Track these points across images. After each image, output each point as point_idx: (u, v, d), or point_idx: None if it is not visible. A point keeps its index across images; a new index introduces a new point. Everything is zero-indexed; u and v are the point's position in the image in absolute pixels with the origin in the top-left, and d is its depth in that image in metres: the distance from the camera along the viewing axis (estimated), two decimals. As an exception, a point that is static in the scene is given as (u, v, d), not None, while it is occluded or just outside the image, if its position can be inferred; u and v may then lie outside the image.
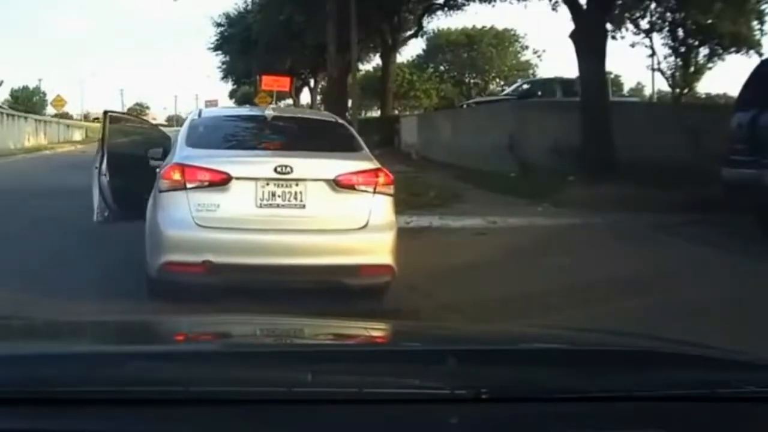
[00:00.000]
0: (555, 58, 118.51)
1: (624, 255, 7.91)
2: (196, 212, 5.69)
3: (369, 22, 25.32)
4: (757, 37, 26.84)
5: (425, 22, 32.67)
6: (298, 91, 48.66)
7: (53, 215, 10.25)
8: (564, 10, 15.25)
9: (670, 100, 31.80)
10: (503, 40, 49.55)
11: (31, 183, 16.17)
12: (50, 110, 48.13)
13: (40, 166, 22.50)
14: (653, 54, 31.29)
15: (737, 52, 28.58)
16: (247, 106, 22.38)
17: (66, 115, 56.20)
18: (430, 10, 30.96)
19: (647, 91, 45.54)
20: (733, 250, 7.94)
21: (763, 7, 22.99)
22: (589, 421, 1.33)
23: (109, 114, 8.19)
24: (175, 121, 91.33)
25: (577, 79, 15.61)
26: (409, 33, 32.85)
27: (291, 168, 5.80)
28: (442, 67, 50.52)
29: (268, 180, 5.79)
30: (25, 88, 71.05)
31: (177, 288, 5.59)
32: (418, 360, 1.53)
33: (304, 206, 5.83)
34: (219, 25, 42.37)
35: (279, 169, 5.78)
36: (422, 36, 37.30)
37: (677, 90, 31.70)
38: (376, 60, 38.91)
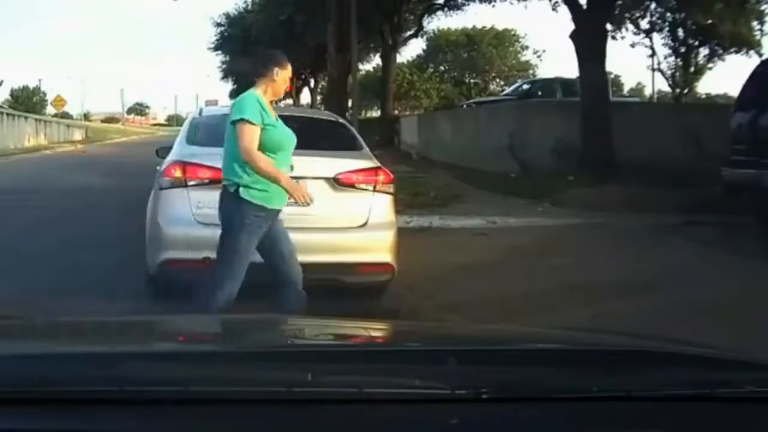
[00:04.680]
0: (555, 58, 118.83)
1: (624, 255, 7.91)
2: (196, 209, 5.69)
3: (369, 22, 25.32)
4: (757, 37, 26.87)
5: (425, 22, 32.77)
6: (299, 91, 48.69)
7: (51, 215, 10.27)
8: (564, 10, 15.28)
9: (671, 100, 31.81)
10: (503, 40, 49.59)
11: (33, 183, 16.18)
12: (50, 110, 48.09)
13: (42, 166, 22.50)
14: (653, 54, 31.34)
15: (737, 52, 28.60)
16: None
17: (66, 115, 56.22)
18: (430, 10, 31.00)
19: (647, 91, 45.62)
20: (734, 250, 7.94)
21: (763, 7, 23.01)
22: (589, 421, 1.33)
23: None
24: (175, 120, 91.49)
25: (577, 79, 15.61)
26: (409, 33, 32.88)
27: (291, 166, 5.80)
28: (442, 67, 50.56)
29: (269, 178, 5.79)
30: (25, 88, 71.14)
31: (177, 285, 5.59)
32: (418, 360, 1.53)
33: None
34: (219, 25, 42.44)
35: (279, 168, 5.77)
36: (422, 36, 37.40)
37: (677, 90, 31.72)
38: (376, 60, 38.99)
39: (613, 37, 24.37)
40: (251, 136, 4.64)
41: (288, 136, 4.96)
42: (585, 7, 14.16)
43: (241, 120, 4.62)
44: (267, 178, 4.63)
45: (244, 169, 4.66)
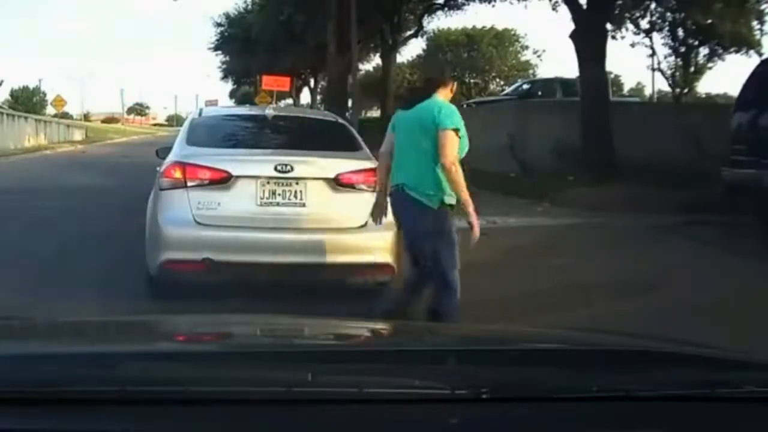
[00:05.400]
0: (555, 58, 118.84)
1: (624, 255, 7.91)
2: (196, 210, 5.69)
3: (369, 22, 25.32)
4: (757, 37, 26.89)
5: (425, 22, 32.77)
6: (298, 91, 48.71)
7: (51, 215, 10.27)
8: (564, 10, 15.30)
9: (671, 100, 31.82)
10: (503, 40, 49.56)
11: (33, 183, 16.17)
12: (50, 110, 48.05)
13: (42, 166, 22.49)
14: (653, 54, 31.36)
15: (737, 52, 28.62)
16: (247, 105, 22.38)
17: (66, 115, 56.19)
18: (430, 10, 31.00)
19: (647, 91, 45.60)
20: (734, 250, 7.95)
21: (763, 7, 23.02)
22: (589, 421, 1.33)
23: None
24: (175, 120, 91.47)
25: (577, 79, 15.61)
26: (409, 33, 32.88)
27: (291, 167, 5.81)
28: (442, 67, 50.48)
29: (269, 179, 5.80)
30: (25, 88, 71.09)
31: (177, 286, 5.60)
32: (418, 360, 1.53)
33: (304, 205, 5.83)
34: (219, 25, 42.48)
35: (279, 168, 5.79)
36: (422, 36, 37.40)
37: (677, 90, 31.73)
38: (376, 60, 39.00)
39: (613, 37, 24.40)
40: (456, 146, 4.73)
41: None
42: (585, 7, 14.17)
43: (454, 129, 4.72)
44: (458, 191, 4.74)
45: (441, 177, 4.73)
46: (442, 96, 4.98)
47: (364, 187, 5.92)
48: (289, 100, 47.27)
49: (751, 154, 8.95)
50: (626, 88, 50.35)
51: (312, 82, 46.93)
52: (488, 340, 1.98)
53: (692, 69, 30.82)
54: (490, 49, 48.86)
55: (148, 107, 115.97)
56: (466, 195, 4.75)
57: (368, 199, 5.92)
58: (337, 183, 5.88)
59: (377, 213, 5.24)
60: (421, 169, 4.78)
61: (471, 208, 4.77)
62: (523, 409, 1.34)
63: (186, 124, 6.99)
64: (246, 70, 45.83)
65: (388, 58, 31.24)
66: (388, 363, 1.49)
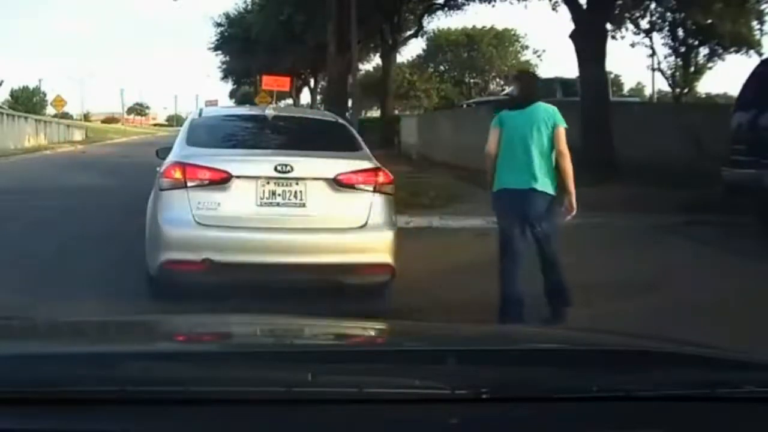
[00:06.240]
0: (555, 58, 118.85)
1: (624, 255, 7.91)
2: (196, 210, 5.69)
3: (369, 22, 25.32)
4: (757, 37, 26.91)
5: (425, 22, 32.80)
6: (298, 91, 48.74)
7: (51, 215, 10.28)
8: (564, 10, 15.31)
9: (671, 100, 31.84)
10: (503, 40, 49.60)
11: (33, 183, 16.17)
12: (50, 110, 48.03)
13: (42, 167, 22.50)
14: (653, 54, 31.40)
15: (737, 52, 28.64)
16: (247, 105, 22.37)
17: (66, 116, 56.16)
18: (430, 10, 31.01)
19: (647, 91, 45.64)
20: (734, 250, 7.95)
21: (763, 7, 23.02)
22: (589, 421, 1.33)
23: None
24: (175, 120, 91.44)
25: (577, 79, 15.62)
26: (409, 33, 32.90)
27: (291, 167, 5.81)
28: (442, 67, 50.56)
29: (269, 179, 5.80)
30: (25, 88, 71.06)
31: (177, 286, 5.60)
32: (418, 360, 1.53)
33: (304, 205, 5.83)
34: (219, 25, 42.53)
35: (279, 168, 5.79)
36: (422, 36, 37.44)
37: (677, 90, 31.75)
38: (376, 60, 39.03)
39: (613, 37, 24.44)
40: None
41: None
42: (585, 7, 14.17)
43: (565, 127, 5.51)
44: (568, 178, 5.58)
45: (552, 167, 5.52)
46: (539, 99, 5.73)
47: (364, 187, 5.92)
48: (289, 100, 47.29)
49: (751, 154, 8.95)
50: (626, 88, 50.43)
51: (312, 82, 46.96)
52: (488, 340, 1.98)
53: (692, 69, 30.86)
54: (490, 49, 48.90)
55: (148, 107, 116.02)
56: (572, 182, 5.57)
57: (368, 199, 5.92)
58: (337, 183, 5.88)
59: None
60: (539, 162, 5.47)
61: (573, 192, 5.59)
62: (523, 409, 1.34)
63: (186, 124, 6.99)
64: (246, 70, 45.87)
65: (388, 58, 31.26)
66: (388, 363, 1.49)
